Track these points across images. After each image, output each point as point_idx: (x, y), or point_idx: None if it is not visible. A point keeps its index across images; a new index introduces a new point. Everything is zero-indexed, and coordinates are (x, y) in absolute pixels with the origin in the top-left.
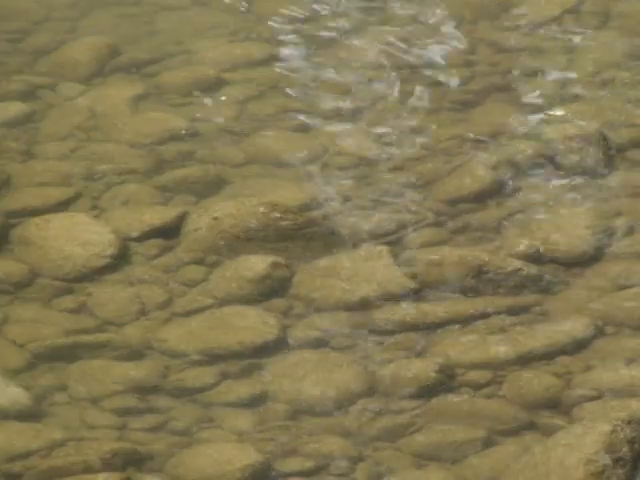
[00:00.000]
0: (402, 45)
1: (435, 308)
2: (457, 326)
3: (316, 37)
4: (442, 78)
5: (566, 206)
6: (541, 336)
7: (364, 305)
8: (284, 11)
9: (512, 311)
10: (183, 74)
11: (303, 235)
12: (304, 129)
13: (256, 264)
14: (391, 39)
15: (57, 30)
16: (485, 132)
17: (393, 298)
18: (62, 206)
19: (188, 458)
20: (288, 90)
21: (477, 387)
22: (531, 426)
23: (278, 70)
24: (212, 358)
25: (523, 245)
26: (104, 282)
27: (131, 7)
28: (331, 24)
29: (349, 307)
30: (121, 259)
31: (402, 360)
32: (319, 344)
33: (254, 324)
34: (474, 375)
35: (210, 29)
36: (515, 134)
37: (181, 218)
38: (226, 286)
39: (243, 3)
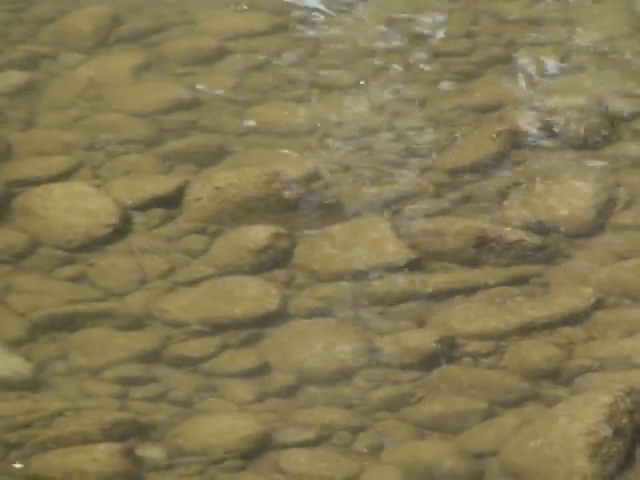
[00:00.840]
0: (404, 16)
1: (436, 278)
2: (458, 297)
3: (319, 8)
4: (444, 49)
5: (568, 177)
6: (542, 307)
7: (365, 275)
8: None
9: (514, 282)
10: (185, 44)
11: (305, 205)
12: (306, 99)
13: (258, 234)
14: (393, 11)
15: (59, 0)
16: (487, 103)
17: (394, 268)
18: (64, 176)
19: (189, 428)
20: (290, 60)
21: (478, 357)
22: (533, 397)
23: (280, 40)
24: (214, 328)
25: (525, 215)
26: (106, 252)
27: None
28: None
29: (350, 277)
30: (123, 229)
31: (403, 330)
32: (320, 314)
33: (256, 294)
34: (475, 345)
35: None
36: (517, 105)
37: (183, 188)
38: (228, 256)
39: None
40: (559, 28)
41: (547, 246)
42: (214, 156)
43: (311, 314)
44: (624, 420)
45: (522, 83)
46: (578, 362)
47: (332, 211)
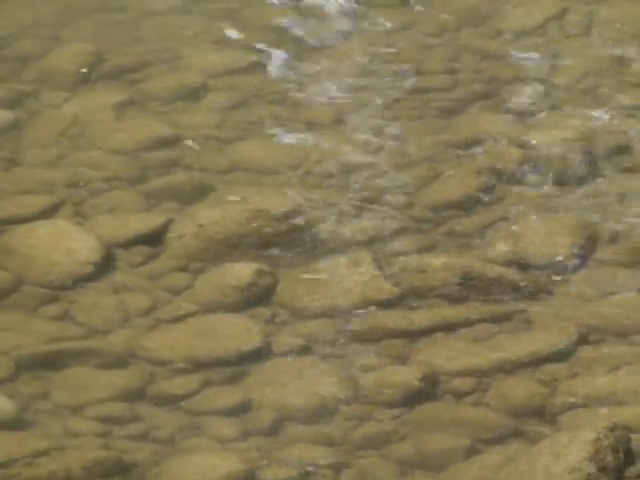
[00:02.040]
0: (387, 51)
1: (419, 315)
2: (441, 333)
3: (300, 44)
4: (425, 85)
5: (550, 212)
6: (525, 343)
7: (348, 312)
8: (268, 18)
9: (496, 318)
10: (168, 81)
11: (287, 242)
12: (288, 136)
13: (241, 271)
14: (374, 47)
15: (42, 37)
16: (469, 139)
17: (377, 305)
18: (47, 214)
19: (172, 466)
20: (271, 97)
21: (461, 395)
22: (516, 434)
23: (262, 77)
24: (196, 365)
25: (508, 252)
26: (89, 289)
27: (116, 14)
28: (315, 32)
29: (333, 314)
30: (106, 266)
31: (386, 368)
32: (303, 352)
33: (238, 332)
34: (458, 383)
35: (194, 36)
36: (499, 141)
37: (166, 225)
38: (211, 293)
39: (227, 10)
40: (541, 64)
41: (530, 282)
42: (197, 193)
43: (294, 351)
44: (608, 457)
45: (504, 119)
46: (562, 399)
47: (315, 248)
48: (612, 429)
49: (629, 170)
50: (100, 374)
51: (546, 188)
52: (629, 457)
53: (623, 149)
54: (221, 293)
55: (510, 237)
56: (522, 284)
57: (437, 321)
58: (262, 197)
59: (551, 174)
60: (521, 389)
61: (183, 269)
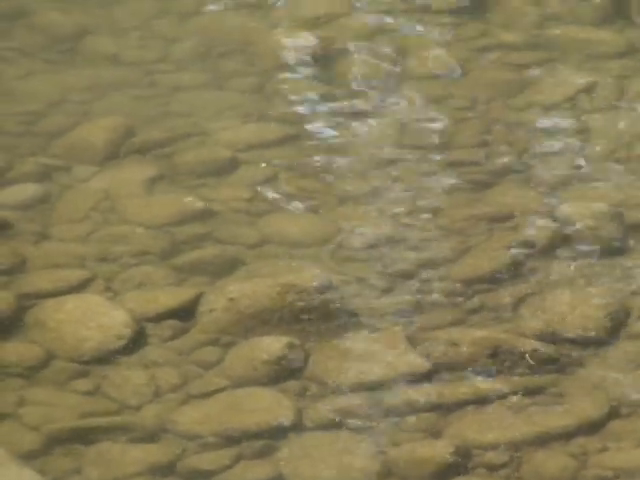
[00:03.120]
0: (417, 125)
1: (451, 389)
2: (473, 407)
3: (331, 117)
4: (457, 158)
5: (582, 285)
6: (557, 417)
7: (379, 386)
8: (298, 91)
9: (528, 391)
10: (198, 155)
11: (319, 316)
12: (319, 210)
13: (271, 345)
14: (406, 119)
15: (71, 112)
16: (500, 212)
17: (409, 379)
18: (77, 288)
19: None
20: (303, 170)
21: (494, 468)
22: None
23: (292, 150)
24: (228, 440)
25: (539, 325)
26: (119, 364)
27: (146, 89)
28: (345, 104)
29: (364, 388)
30: (136, 341)
31: (418, 441)
32: (335, 426)
33: (269, 406)
34: (491, 456)
35: (224, 110)
36: (530, 214)
37: (196, 299)
38: (241, 367)
39: (257, 84)
40: (572, 136)
41: (561, 355)
42: (228, 267)
43: (325, 426)
44: None
45: (536, 191)
46: (593, 472)
47: (346, 322)
48: None
49: None
50: (131, 449)
51: (578, 261)
52: None
53: None
54: (252, 367)
55: (541, 310)
56: (553, 357)
57: (469, 394)
58: (293, 271)
59: (583, 247)
60: (553, 462)
61: (213, 343)
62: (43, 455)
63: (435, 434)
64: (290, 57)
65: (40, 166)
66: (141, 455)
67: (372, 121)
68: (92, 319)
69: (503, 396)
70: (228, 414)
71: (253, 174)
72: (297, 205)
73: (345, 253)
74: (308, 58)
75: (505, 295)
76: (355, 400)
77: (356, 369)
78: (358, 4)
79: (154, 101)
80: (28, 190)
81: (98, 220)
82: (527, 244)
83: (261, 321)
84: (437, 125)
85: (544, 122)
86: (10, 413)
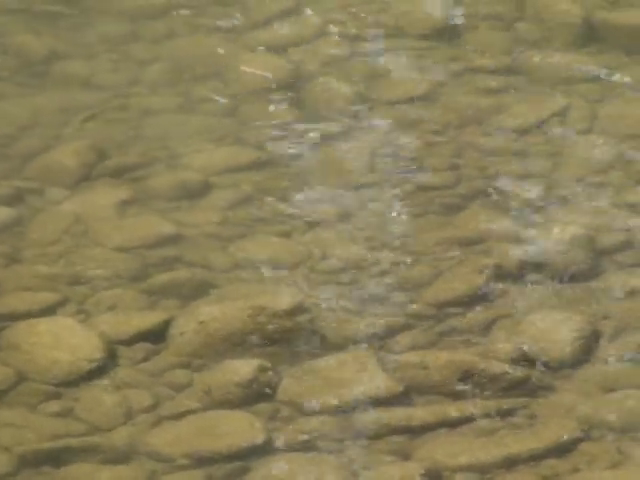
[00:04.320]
0: (389, 149)
1: (421, 411)
2: (443, 429)
3: (302, 142)
4: (428, 182)
5: (553, 309)
6: (528, 439)
7: (350, 409)
8: (270, 115)
9: (499, 414)
10: (170, 179)
11: (290, 339)
12: (290, 234)
13: (242, 368)
14: (377, 143)
15: (44, 135)
16: (471, 236)
17: (380, 402)
18: (48, 310)
19: None
20: (274, 194)
21: None
22: None
23: (264, 175)
24: (199, 462)
25: (510, 348)
26: (91, 386)
27: (118, 112)
28: (317, 128)
29: (335, 411)
30: (108, 363)
31: (389, 464)
32: (306, 448)
33: (240, 428)
34: (461, 478)
35: (196, 134)
36: (501, 238)
37: (167, 322)
38: (213, 390)
39: (229, 108)
40: (544, 160)
41: (532, 378)
42: (199, 290)
43: (296, 448)
44: None
45: (507, 216)
46: None
47: (317, 344)
48: None
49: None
50: (102, 470)
51: (548, 285)
52: None
53: (626, 246)
54: (223, 390)
55: (513, 334)
56: (524, 380)
57: (439, 417)
58: (264, 294)
59: (554, 271)
60: None
61: (185, 366)
62: (13, 477)
63: (405, 456)
64: (261, 81)
65: (13, 189)
66: (112, 476)
67: (343, 145)
68: (63, 341)
69: (473, 419)
70: (199, 436)
71: (225, 198)
72: (269, 229)
73: (316, 277)
74: (279, 83)
75: (476, 318)
76: (326, 422)
77: (327, 392)
78: (329, 29)
79: (126, 124)
80: (0, 213)
81: (70, 243)
82: (498, 268)
83: (232, 344)
84: (408, 149)
85: (516, 146)
86: None
